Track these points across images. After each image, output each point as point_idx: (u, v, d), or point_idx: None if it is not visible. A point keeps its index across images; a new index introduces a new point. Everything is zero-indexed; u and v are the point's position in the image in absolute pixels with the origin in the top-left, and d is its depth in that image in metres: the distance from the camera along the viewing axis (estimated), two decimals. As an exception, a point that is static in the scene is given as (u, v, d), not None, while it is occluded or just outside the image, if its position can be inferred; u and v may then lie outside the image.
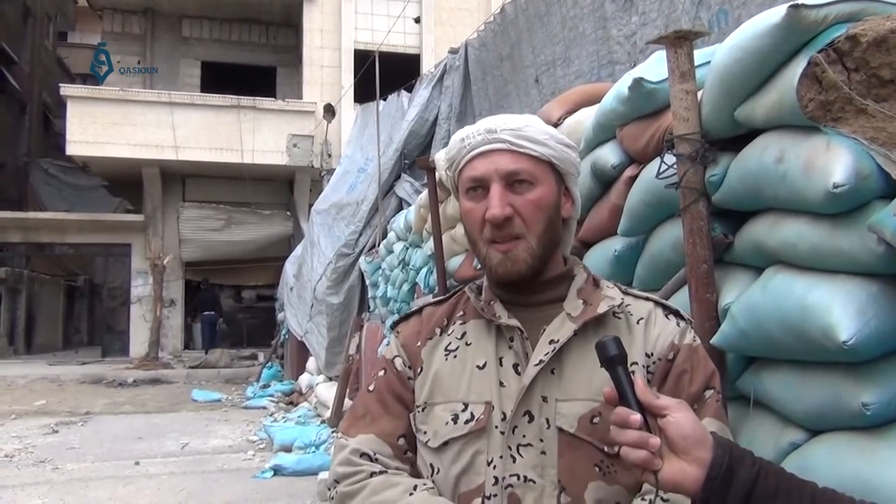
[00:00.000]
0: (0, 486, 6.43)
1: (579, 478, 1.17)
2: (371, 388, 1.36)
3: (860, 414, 1.51)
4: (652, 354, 1.25)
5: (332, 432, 7.78)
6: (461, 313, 1.36)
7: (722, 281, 2.05)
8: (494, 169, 1.23)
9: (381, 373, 1.37)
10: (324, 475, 6.06)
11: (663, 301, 1.34)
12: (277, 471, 6.72)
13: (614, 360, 1.04)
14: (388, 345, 1.42)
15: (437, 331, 1.35)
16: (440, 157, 4.54)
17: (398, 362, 1.35)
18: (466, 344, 1.30)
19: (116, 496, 6.08)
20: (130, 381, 14.72)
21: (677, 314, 1.31)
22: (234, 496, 6.05)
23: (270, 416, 10.19)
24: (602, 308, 1.25)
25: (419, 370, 1.32)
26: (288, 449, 7.51)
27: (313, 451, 7.25)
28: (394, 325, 1.45)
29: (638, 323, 1.27)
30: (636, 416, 0.98)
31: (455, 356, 1.29)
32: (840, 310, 1.52)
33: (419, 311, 1.43)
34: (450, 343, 1.32)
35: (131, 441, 8.62)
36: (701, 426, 1.01)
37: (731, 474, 0.95)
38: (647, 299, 1.32)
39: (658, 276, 2.38)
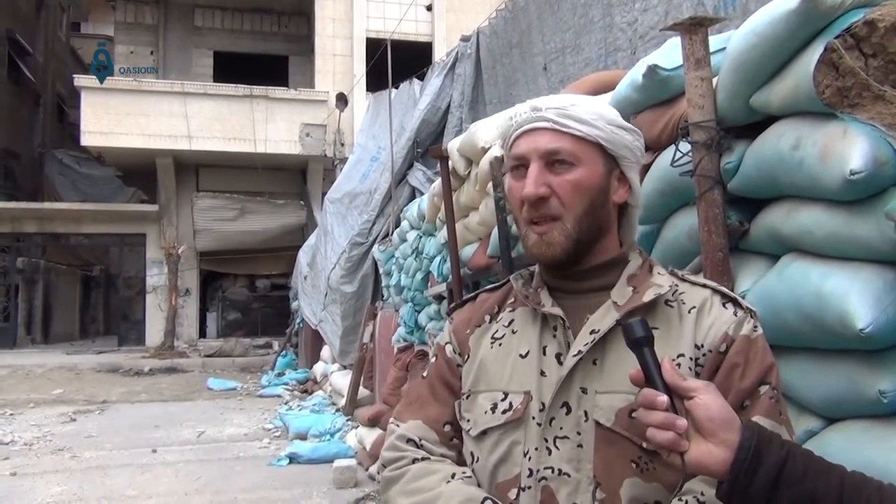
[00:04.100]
0: (20, 473, 6.51)
1: (615, 473, 1.13)
2: (425, 373, 1.38)
3: (877, 402, 1.51)
4: (702, 346, 1.17)
5: (347, 420, 7.83)
6: (512, 300, 1.33)
7: (737, 269, 2.04)
8: (534, 147, 1.21)
9: (434, 359, 1.38)
10: (339, 462, 6.10)
11: (723, 289, 1.25)
12: (293, 458, 6.76)
13: (640, 341, 1.02)
14: (442, 330, 1.43)
15: (487, 318, 1.34)
16: (453, 144, 4.54)
17: (448, 349, 1.36)
18: (512, 332, 1.28)
19: (134, 483, 6.15)
20: (146, 370, 14.85)
21: (736, 302, 1.22)
22: (250, 484, 6.10)
23: (285, 404, 10.27)
24: (648, 297, 1.19)
25: (466, 357, 1.31)
26: (303, 437, 7.56)
27: (328, 439, 7.30)
28: (449, 312, 1.44)
29: (690, 312, 1.20)
30: (662, 398, 0.97)
31: (500, 344, 1.28)
32: (857, 297, 1.52)
33: (474, 297, 1.42)
34: (497, 331, 1.30)
35: (148, 429, 8.71)
36: (728, 408, 0.99)
37: (758, 457, 0.95)
38: (705, 286, 1.25)
39: (673, 264, 2.34)
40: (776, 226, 1.87)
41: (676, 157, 2.14)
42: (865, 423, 1.57)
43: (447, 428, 1.29)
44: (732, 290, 1.98)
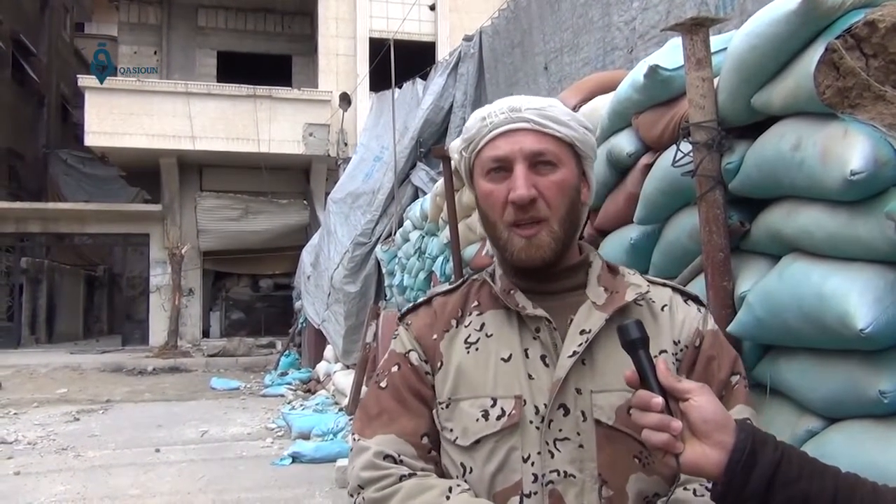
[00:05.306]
0: (24, 472, 6.53)
1: (620, 470, 1.15)
2: (383, 384, 1.28)
3: (877, 402, 1.51)
4: (679, 342, 1.22)
5: (350, 419, 7.83)
6: (475, 303, 1.30)
7: (738, 269, 2.04)
8: (519, 148, 1.19)
9: (395, 368, 1.29)
10: (342, 462, 6.11)
11: (680, 287, 1.31)
12: (296, 458, 6.77)
13: (636, 343, 1.03)
14: (396, 337, 1.34)
15: (453, 322, 1.28)
16: (455, 144, 4.54)
17: (413, 357, 1.28)
18: (487, 335, 1.24)
19: (138, 483, 6.16)
20: (150, 370, 14.88)
21: (696, 300, 1.29)
22: (253, 483, 6.11)
23: (288, 403, 10.27)
24: (630, 296, 1.22)
25: (439, 365, 1.25)
26: (306, 436, 7.57)
27: (331, 439, 7.31)
28: (402, 317, 1.36)
29: (662, 310, 1.25)
30: (658, 399, 0.98)
31: (476, 349, 1.23)
32: (857, 298, 1.52)
33: (428, 301, 1.36)
34: (469, 335, 1.26)
35: (151, 429, 8.73)
36: (723, 410, 1.00)
37: (753, 458, 0.95)
38: (665, 285, 1.30)
39: (674, 264, 2.37)
40: (777, 226, 1.87)
41: (678, 158, 2.14)
42: (866, 424, 1.57)
43: (424, 440, 1.23)
44: (733, 291, 2.00)
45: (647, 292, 1.25)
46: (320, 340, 11.80)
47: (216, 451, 7.42)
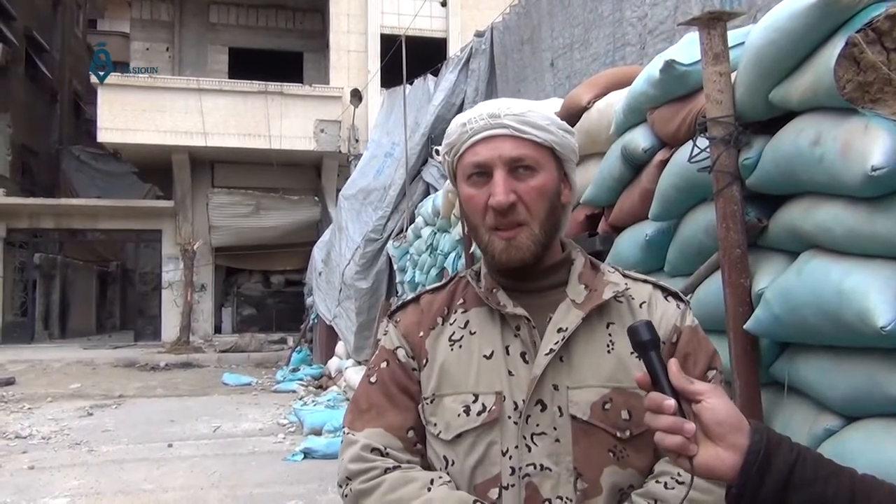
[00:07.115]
0: (38, 467, 6.58)
1: (594, 464, 1.18)
2: (373, 379, 1.33)
3: (898, 401, 1.49)
4: None
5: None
6: (461, 301, 1.34)
7: (756, 266, 2.03)
8: (498, 155, 1.22)
9: (384, 364, 1.34)
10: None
11: (661, 283, 1.33)
12: (308, 454, 6.80)
13: (647, 344, 1.02)
14: (386, 334, 1.39)
15: (439, 320, 1.33)
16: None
17: (401, 353, 1.33)
18: (471, 333, 1.29)
19: (150, 478, 6.19)
20: (162, 365, 14.96)
21: (676, 296, 1.31)
22: (265, 478, 6.14)
23: (300, 399, 10.30)
24: (607, 294, 1.25)
25: (424, 362, 1.30)
26: (318, 432, 7.59)
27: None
28: (391, 315, 1.41)
29: (641, 307, 1.27)
30: (670, 402, 0.97)
31: (460, 346, 1.28)
32: (877, 295, 1.50)
33: (416, 299, 1.41)
34: (453, 333, 1.30)
35: (164, 424, 8.77)
36: (736, 411, 0.99)
37: (768, 460, 0.94)
38: (646, 281, 1.33)
39: (690, 260, 2.35)
40: (795, 222, 1.85)
41: (694, 153, 2.13)
42: (886, 422, 1.56)
43: (410, 434, 1.28)
44: (751, 288, 1.98)
45: (626, 290, 1.28)
46: (332, 336, 11.82)
47: (228, 447, 7.45)
